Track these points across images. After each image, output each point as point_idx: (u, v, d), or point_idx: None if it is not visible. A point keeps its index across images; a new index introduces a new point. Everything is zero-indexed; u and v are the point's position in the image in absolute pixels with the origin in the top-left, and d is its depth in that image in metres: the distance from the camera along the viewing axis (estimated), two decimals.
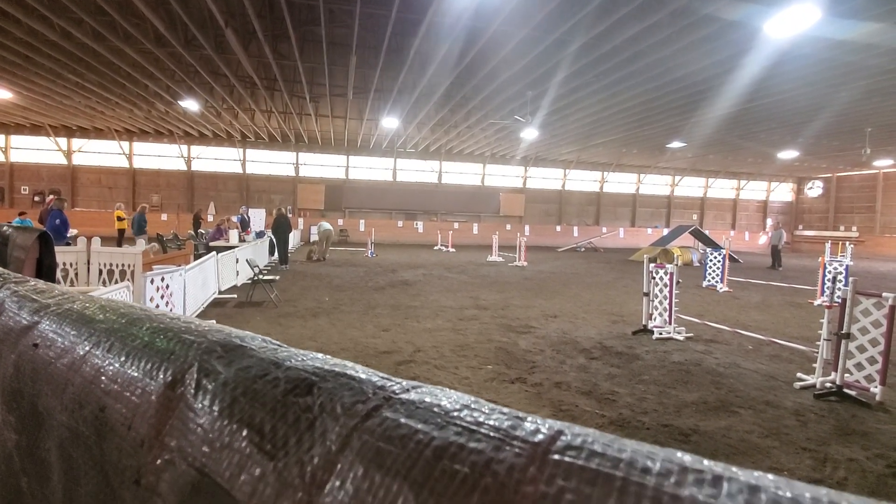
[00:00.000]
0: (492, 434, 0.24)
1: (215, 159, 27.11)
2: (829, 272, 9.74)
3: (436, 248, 24.16)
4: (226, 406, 0.29)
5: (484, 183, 30.33)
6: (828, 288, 9.25)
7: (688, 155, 26.44)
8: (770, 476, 0.23)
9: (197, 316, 7.03)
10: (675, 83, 13.43)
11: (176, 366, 0.33)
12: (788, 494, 0.20)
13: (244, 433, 0.27)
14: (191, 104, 17.48)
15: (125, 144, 25.97)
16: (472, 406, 0.26)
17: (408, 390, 0.29)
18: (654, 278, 6.82)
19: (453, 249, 22.96)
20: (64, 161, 25.62)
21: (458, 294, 9.90)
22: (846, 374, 4.47)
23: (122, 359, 0.37)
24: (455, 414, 0.25)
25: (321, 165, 28.17)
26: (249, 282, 9.27)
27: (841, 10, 8.45)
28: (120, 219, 17.12)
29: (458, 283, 11.74)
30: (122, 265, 7.82)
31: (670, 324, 6.62)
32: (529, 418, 0.24)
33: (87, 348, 0.40)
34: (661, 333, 6.55)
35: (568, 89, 14.23)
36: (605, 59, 11.80)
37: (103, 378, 0.37)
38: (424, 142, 25.25)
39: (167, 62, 13.48)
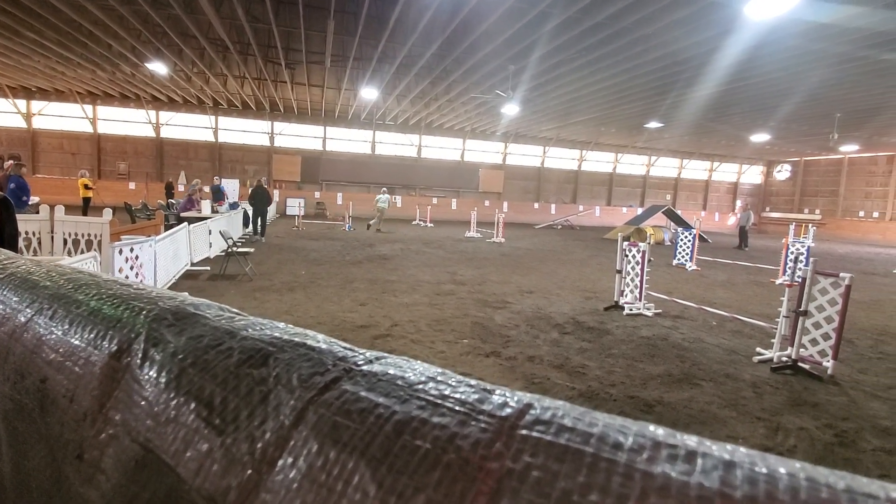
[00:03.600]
0: (457, 408, 0.22)
1: (186, 126, 26.01)
2: (792, 253, 10.11)
3: (414, 222, 24.04)
4: (173, 378, 0.27)
5: (464, 158, 30.10)
6: (789, 268, 9.62)
7: (664, 136, 26.72)
8: (744, 450, 0.22)
9: (169, 288, 6.87)
10: (655, 62, 13.43)
11: (122, 335, 0.31)
12: (763, 469, 0.19)
13: (192, 407, 0.25)
14: (158, 67, 16.60)
15: (88, 108, 24.62)
16: (439, 378, 0.25)
17: (371, 361, 0.27)
18: (626, 256, 6.96)
19: (432, 224, 22.89)
20: (23, 124, 24.18)
21: (435, 269, 9.92)
22: (801, 349, 4.70)
23: (66, 327, 0.34)
24: (419, 387, 0.24)
25: (297, 136, 27.37)
26: (223, 254, 9.06)
27: None
28: (87, 187, 16.37)
29: (436, 258, 11.75)
30: (89, 235, 7.52)
31: (640, 300, 6.80)
32: (498, 391, 0.23)
33: (30, 315, 0.37)
34: (631, 309, 6.73)
35: (549, 65, 14.08)
36: (587, 35, 11.68)
37: (45, 347, 0.34)
38: (404, 115, 24.76)
39: (132, 21, 12.70)
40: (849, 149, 27.26)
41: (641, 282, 6.80)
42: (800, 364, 4.63)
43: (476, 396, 0.23)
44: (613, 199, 33.46)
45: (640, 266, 6.80)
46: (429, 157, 29.56)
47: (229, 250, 8.40)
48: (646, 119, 22.05)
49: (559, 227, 27.25)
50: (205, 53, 16.21)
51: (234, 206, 14.93)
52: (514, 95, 16.92)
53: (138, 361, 0.28)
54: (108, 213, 7.60)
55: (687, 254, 12.34)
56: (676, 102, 18.43)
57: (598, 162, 33.15)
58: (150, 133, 25.68)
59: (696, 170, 35.30)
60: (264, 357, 0.26)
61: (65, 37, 14.43)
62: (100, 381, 0.29)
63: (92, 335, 0.32)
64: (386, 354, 0.29)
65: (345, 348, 0.29)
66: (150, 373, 0.28)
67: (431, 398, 0.23)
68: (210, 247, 10.19)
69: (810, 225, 27.33)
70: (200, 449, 0.24)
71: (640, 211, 27.10)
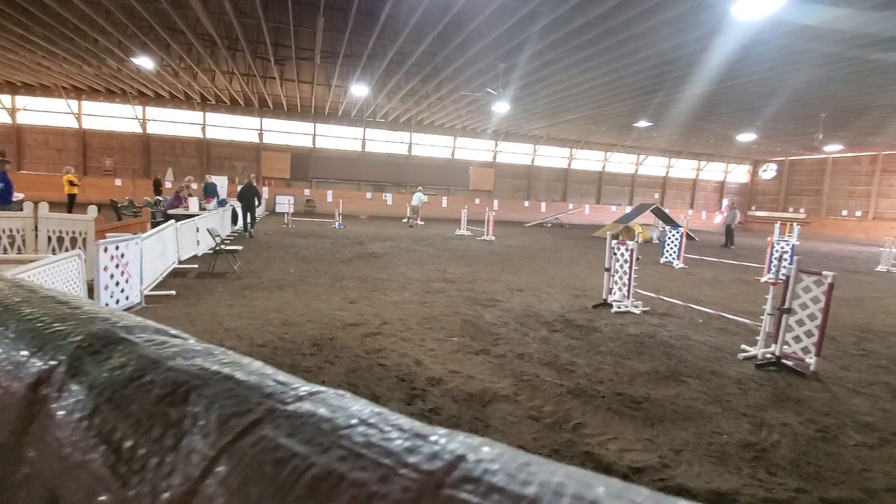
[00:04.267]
0: (381, 460, 0.20)
1: (173, 122, 25.63)
2: (776, 251, 10.23)
3: (404, 220, 23.97)
4: (87, 415, 0.24)
5: (454, 156, 30.05)
6: (774, 266, 9.73)
7: (653, 135, 26.89)
8: None
9: (156, 286, 6.77)
10: (644, 61, 13.48)
11: (44, 362, 0.28)
12: None
13: (100, 451, 0.22)
14: (145, 62, 16.33)
15: (74, 103, 24.16)
16: (371, 421, 0.22)
17: (301, 398, 0.24)
18: (615, 254, 6.99)
19: (422, 223, 22.83)
20: (8, 119, 23.67)
21: (425, 267, 9.89)
22: (785, 346, 4.75)
23: None
24: (346, 432, 0.21)
25: (287, 133, 27.10)
26: (211, 252, 8.95)
27: None
28: (72, 183, 16.06)
29: (425, 256, 11.72)
30: (74, 232, 7.37)
31: (628, 298, 6.84)
32: (433, 436, 0.20)
33: None
34: (619, 307, 6.76)
35: (539, 63, 14.07)
36: (577, 34, 11.69)
37: None
38: (395, 112, 24.64)
39: (119, 15, 12.47)
40: (833, 149, 27.64)
41: (629, 280, 6.83)
42: (783, 361, 4.68)
43: (406, 445, 0.21)
44: (603, 198, 33.64)
45: (628, 264, 6.84)
46: (419, 154, 29.46)
47: (217, 248, 8.30)
48: (635, 118, 22.16)
49: (549, 225, 27.34)
50: (192, 48, 15.97)
51: (222, 203, 14.75)
52: (505, 93, 16.90)
53: (55, 394, 0.26)
54: (93, 210, 7.46)
55: (674, 252, 12.43)
56: (665, 102, 18.53)
57: (588, 160, 33.29)
58: (137, 129, 25.27)
59: (683, 169, 35.60)
60: (186, 393, 0.23)
61: (51, 31, 14.12)
62: (17, 413, 0.26)
63: (14, 361, 0.29)
64: (323, 389, 0.27)
65: (277, 382, 0.26)
66: (65, 408, 0.25)
67: (355, 447, 0.21)
68: (198, 244, 10.06)
69: (795, 223, 27.73)
70: (101, 502, 0.21)
71: (628, 209, 27.25)
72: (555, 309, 6.74)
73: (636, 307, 6.80)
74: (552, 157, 32.48)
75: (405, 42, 13.64)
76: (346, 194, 27.28)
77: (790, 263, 4.93)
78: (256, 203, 15.01)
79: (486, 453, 0.21)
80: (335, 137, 27.90)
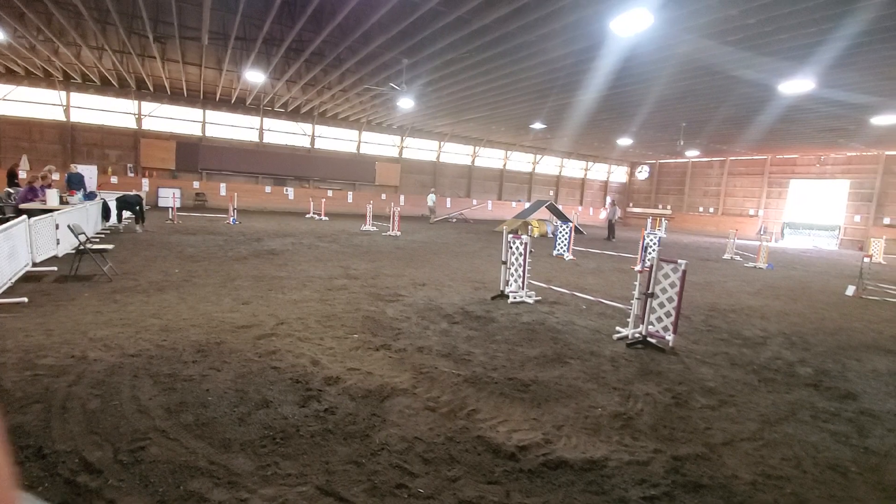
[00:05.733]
0: None
1: (28, 102, 21.78)
2: (645, 243, 11.53)
3: (308, 216, 23.02)
4: None
5: (360, 151, 29.43)
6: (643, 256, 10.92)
7: (547, 136, 28.75)
8: None
9: (4, 292, 5.72)
10: (535, 68, 14.32)
11: None
12: None
13: None
14: None
15: None
16: None
17: None
18: (511, 248, 7.37)
19: (326, 218, 22.10)
20: None
21: (328, 264, 9.59)
22: (650, 326, 5.39)
23: None
24: None
25: (171, 119, 24.43)
26: (74, 252, 7.80)
27: (670, 16, 9.73)
28: None
29: (328, 252, 11.36)
30: None
31: (523, 289, 7.26)
32: None
33: None
34: (515, 298, 7.15)
35: (442, 62, 14.29)
36: (477, 36, 12.06)
37: None
38: (295, 101, 23.42)
39: None
40: (692, 153, 31.83)
41: (524, 272, 7.25)
42: (648, 339, 5.30)
43: None
44: (504, 194, 35.26)
45: (522, 257, 7.25)
46: (323, 147, 28.38)
47: (81, 247, 7.25)
48: (530, 120, 23.49)
49: (454, 220, 28.00)
50: (53, 19, 13.71)
51: (90, 196, 12.90)
52: (409, 89, 16.91)
53: None
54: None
55: (565, 245, 13.45)
56: (556, 106, 19.91)
57: (490, 158, 34.63)
58: None
59: (574, 169, 38.58)
60: None
61: None
62: None
63: None
64: None
65: None
66: None
67: None
68: (58, 244, 8.71)
69: (663, 219, 31.59)
70: None
71: (527, 205, 28.91)
72: (456, 302, 6.93)
73: (530, 297, 7.25)
74: (457, 154, 33.25)
75: (304, 29, 13.02)
76: (241, 188, 25.40)
77: (653, 254, 5.59)
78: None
79: None
80: (229, 126, 25.76)
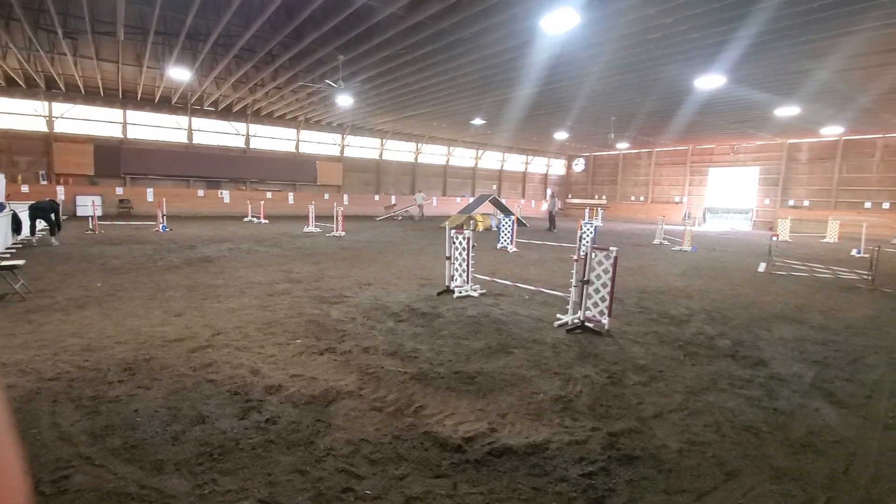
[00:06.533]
0: None
1: None
2: (581, 233, 12.05)
3: (246, 219, 22.03)
4: None
5: (299, 150, 28.48)
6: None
7: (488, 131, 29.21)
8: None
9: None
10: (474, 63, 14.47)
11: None
12: None
13: None
14: None
15: None
16: None
17: None
18: (454, 243, 7.44)
19: (266, 221, 21.26)
20: None
21: (268, 268, 9.24)
22: (587, 312, 5.64)
23: None
24: None
25: (87, 120, 22.40)
26: None
27: (595, 15, 10.15)
28: None
29: (269, 256, 10.95)
30: None
31: (468, 283, 7.36)
32: None
33: None
34: (460, 292, 7.24)
35: (380, 58, 14.10)
36: (412, 33, 12.00)
37: None
38: (226, 100, 22.23)
39: None
40: (623, 146, 33.57)
41: (468, 266, 7.35)
42: (586, 324, 5.56)
43: None
44: (448, 190, 35.48)
45: (466, 252, 7.34)
46: (260, 147, 27.18)
47: None
48: (471, 116, 23.76)
49: (399, 218, 27.84)
50: None
51: None
52: (346, 87, 16.56)
53: None
54: None
55: (508, 237, 13.76)
56: (494, 102, 20.26)
57: (433, 154, 34.70)
58: None
59: (515, 163, 39.50)
60: None
61: None
62: None
63: None
64: None
65: None
66: None
67: None
68: None
69: (600, 208, 33.08)
70: None
71: (471, 200, 29.29)
72: (402, 300, 6.91)
73: (475, 291, 7.36)
74: (400, 150, 33.03)
75: (231, 24, 12.37)
76: (171, 192, 23.83)
77: (588, 243, 5.85)
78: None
79: None
80: (153, 127, 24.01)
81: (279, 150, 27.87)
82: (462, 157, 36.23)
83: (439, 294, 7.30)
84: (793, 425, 3.42)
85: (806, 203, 28.50)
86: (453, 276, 7.49)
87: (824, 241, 20.52)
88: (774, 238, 11.84)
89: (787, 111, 19.06)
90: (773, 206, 29.87)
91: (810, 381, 4.29)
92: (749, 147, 30.94)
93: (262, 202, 22.92)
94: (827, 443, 3.18)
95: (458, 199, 34.40)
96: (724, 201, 32.37)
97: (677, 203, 34.67)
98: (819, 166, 28.06)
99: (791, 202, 29.14)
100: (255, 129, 26.56)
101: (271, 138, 27.46)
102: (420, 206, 26.81)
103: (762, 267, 11.30)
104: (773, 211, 29.54)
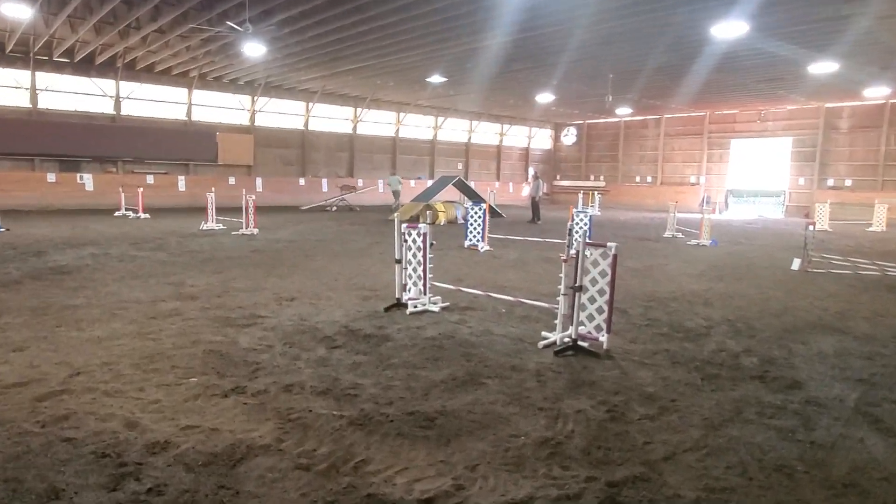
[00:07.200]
0: None
1: None
2: (569, 224, 12.35)
3: (118, 213, 21.30)
4: None
5: (192, 117, 27.72)
6: (567, 241, 11.69)
7: (450, 93, 29.42)
8: None
9: None
10: (430, 3, 14.54)
11: None
12: None
13: None
14: None
15: None
16: None
17: None
18: (406, 242, 7.44)
19: (147, 215, 20.60)
20: None
21: (150, 281, 9.01)
22: (581, 327, 5.79)
23: None
24: None
25: None
26: None
27: None
28: None
29: (151, 264, 10.67)
30: None
31: (426, 294, 7.39)
32: None
33: None
34: (416, 306, 7.25)
35: None
36: None
37: None
38: (86, 47, 21.33)
39: None
40: (624, 112, 34.61)
41: (425, 272, 7.37)
42: (580, 343, 5.70)
43: None
44: (399, 170, 35.45)
45: (421, 253, 7.36)
46: (136, 114, 26.26)
47: None
48: (427, 72, 23.89)
49: (333, 208, 27.61)
50: None
51: None
52: (257, 31, 16.26)
53: None
54: None
55: (479, 232, 13.90)
56: (458, 54, 20.44)
57: (378, 123, 34.64)
58: None
59: (487, 133, 39.99)
60: None
61: None
62: None
63: None
64: None
65: None
66: None
67: None
68: None
69: (597, 193, 34.01)
70: None
71: (429, 183, 29.40)
72: (337, 318, 6.86)
73: (435, 304, 7.40)
74: (333, 118, 32.77)
75: None
76: (8, 177, 22.69)
77: (589, 236, 6.01)
78: None
79: None
80: None
81: (164, 118, 27.09)
82: (417, 126, 36.35)
83: (388, 309, 7.29)
84: (833, 461, 3.64)
85: (848, 182, 30.37)
86: (406, 285, 7.50)
87: (870, 229, 21.93)
88: (811, 227, 12.55)
89: (822, 67, 20.24)
90: (808, 186, 31.66)
91: (853, 405, 4.57)
92: (779, 112, 32.66)
93: (141, 189, 22.07)
94: (873, 481, 3.40)
95: (413, 183, 34.43)
96: (751, 182, 34.01)
97: (693, 185, 36.16)
98: (862, 136, 30.00)
99: (830, 181, 30.96)
100: (128, 88, 25.69)
101: (152, 101, 26.67)
102: (397, 193, 28.25)
103: (796, 264, 11.95)
104: (809, 193, 31.31)
